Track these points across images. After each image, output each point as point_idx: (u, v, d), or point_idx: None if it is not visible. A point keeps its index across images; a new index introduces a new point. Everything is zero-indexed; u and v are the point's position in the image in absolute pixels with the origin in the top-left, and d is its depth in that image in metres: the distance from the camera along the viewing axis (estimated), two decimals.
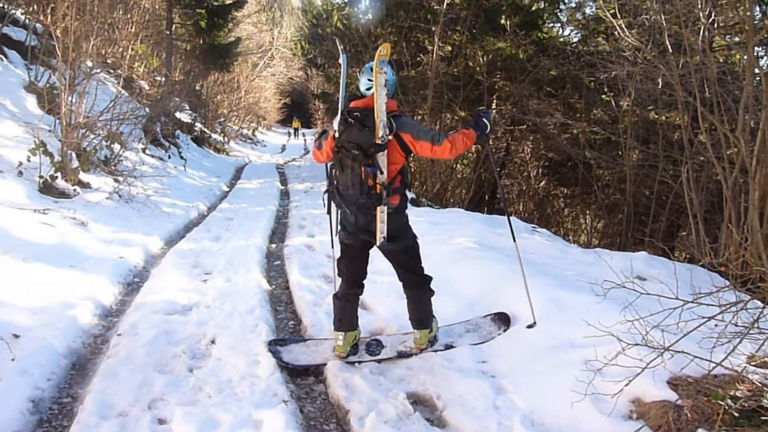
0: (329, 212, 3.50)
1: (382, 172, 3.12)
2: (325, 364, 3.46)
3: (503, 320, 3.86)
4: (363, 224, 3.26)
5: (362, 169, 3.10)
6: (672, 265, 4.27)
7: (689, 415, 2.47)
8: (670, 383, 2.67)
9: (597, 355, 2.74)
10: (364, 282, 3.56)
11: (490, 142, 12.25)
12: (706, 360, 2.48)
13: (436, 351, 3.57)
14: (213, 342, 3.78)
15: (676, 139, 7.97)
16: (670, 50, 5.69)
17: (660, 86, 6.85)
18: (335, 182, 3.29)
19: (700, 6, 5.14)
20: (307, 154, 24.67)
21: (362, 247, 3.41)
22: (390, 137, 3.12)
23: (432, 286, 3.58)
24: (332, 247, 3.78)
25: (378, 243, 3.26)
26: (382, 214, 3.19)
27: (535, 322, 3.65)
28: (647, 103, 8.41)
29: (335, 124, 3.18)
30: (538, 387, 3.01)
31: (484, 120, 3.34)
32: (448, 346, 3.65)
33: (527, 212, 13.33)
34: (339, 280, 3.56)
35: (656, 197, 8.46)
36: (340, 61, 3.36)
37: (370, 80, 3.15)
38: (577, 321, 3.16)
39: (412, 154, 3.31)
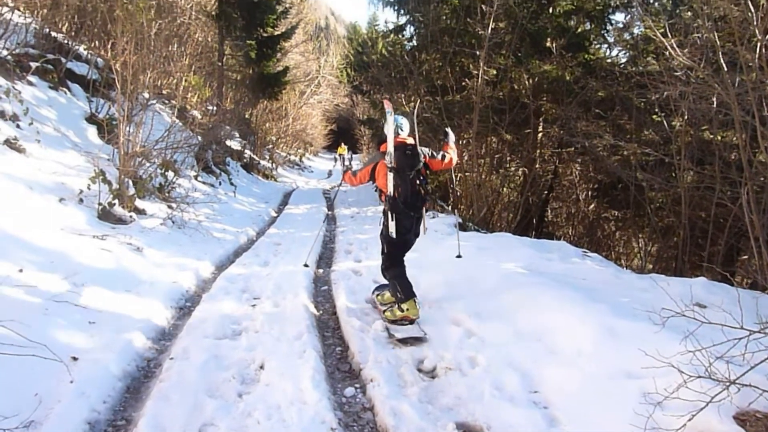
0: (391, 218, 4.49)
1: (427, 183, 4.68)
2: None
3: None
4: (411, 226, 4.60)
5: (416, 181, 4.56)
6: (734, 291, 4.06)
7: None
8: (737, 418, 2.52)
9: (656, 387, 2.62)
10: None
11: (538, 165, 12.17)
12: None
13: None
14: (262, 367, 3.81)
15: (733, 159, 7.67)
16: (725, 69, 5.51)
17: (715, 106, 6.62)
18: (395, 194, 4.46)
19: (755, 22, 4.98)
20: None
21: (408, 240, 4.72)
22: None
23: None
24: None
25: (424, 234, 4.77)
26: (424, 213, 4.71)
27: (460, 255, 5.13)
28: (701, 122, 8.13)
29: (389, 158, 4.44)
30: (594, 419, 2.89)
31: (449, 139, 5.01)
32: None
33: (577, 236, 13.01)
34: (391, 267, 4.72)
35: (714, 220, 8.11)
36: (388, 117, 4.54)
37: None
38: (633, 350, 3.03)
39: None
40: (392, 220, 4.48)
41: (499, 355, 3.81)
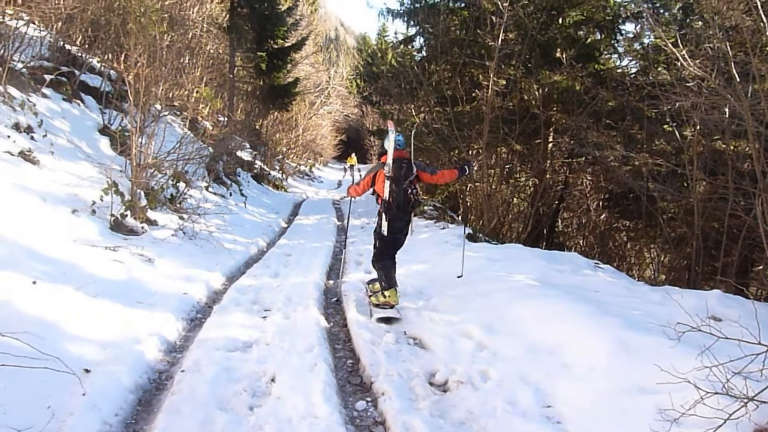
0: (384, 215, 5.35)
1: (417, 192, 5.50)
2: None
3: None
4: (402, 227, 5.46)
5: (408, 190, 5.37)
6: (751, 305, 4.01)
7: None
8: None
9: (672, 403, 2.59)
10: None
11: (548, 175, 12.13)
12: None
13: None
14: (273, 380, 3.80)
15: (746, 169, 7.59)
16: (737, 79, 5.47)
17: (727, 116, 6.57)
18: (390, 199, 5.28)
19: None
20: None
21: (397, 239, 5.56)
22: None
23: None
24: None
25: (410, 234, 5.59)
26: (413, 217, 5.54)
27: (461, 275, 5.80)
28: (713, 132, 8.07)
29: (387, 169, 5.24)
30: None
31: (467, 167, 5.81)
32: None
33: (588, 246, 12.92)
34: (381, 259, 5.54)
35: (727, 231, 8.02)
36: (390, 134, 5.27)
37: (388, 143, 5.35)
38: (648, 365, 3.00)
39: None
40: (386, 220, 5.35)
41: (511, 369, 3.78)
